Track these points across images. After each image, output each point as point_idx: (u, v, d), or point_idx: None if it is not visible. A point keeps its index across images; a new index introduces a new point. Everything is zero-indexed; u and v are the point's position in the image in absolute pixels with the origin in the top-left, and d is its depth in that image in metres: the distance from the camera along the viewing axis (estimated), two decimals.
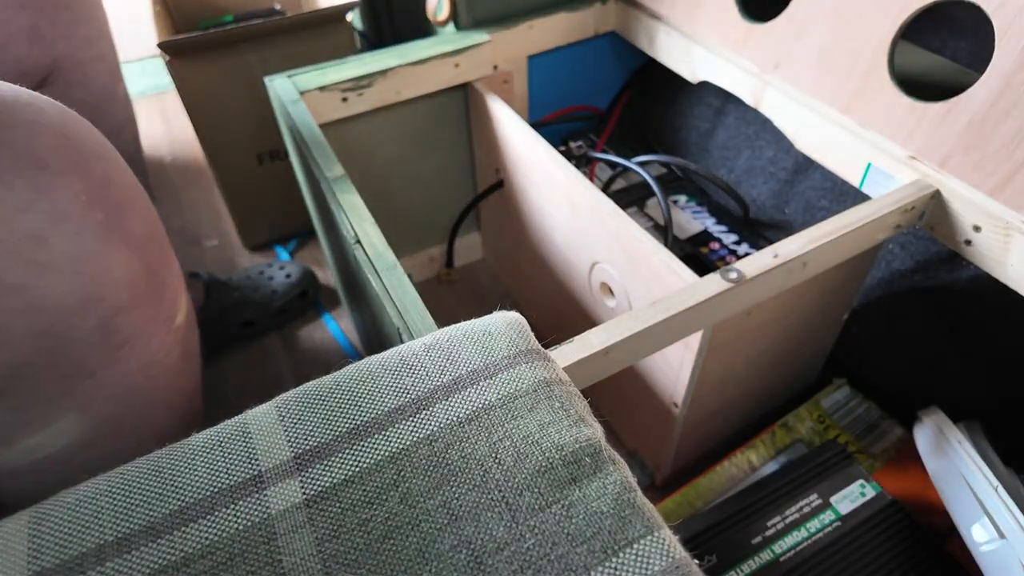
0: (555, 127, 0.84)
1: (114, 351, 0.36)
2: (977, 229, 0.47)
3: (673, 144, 0.83)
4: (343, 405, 0.29)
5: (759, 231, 0.71)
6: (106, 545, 0.25)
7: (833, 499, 0.51)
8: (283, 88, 0.61)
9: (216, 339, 0.77)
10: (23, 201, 0.30)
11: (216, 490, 0.27)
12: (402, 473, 0.27)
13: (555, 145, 0.82)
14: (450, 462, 0.28)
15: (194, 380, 0.47)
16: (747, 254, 0.66)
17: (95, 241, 0.33)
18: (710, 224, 0.71)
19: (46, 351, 0.32)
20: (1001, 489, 0.44)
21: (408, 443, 0.28)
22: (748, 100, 0.61)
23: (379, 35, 0.97)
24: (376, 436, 0.28)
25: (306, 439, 0.28)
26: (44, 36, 0.52)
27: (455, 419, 0.29)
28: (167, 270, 0.40)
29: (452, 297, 0.86)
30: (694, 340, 0.48)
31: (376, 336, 0.58)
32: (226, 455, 0.28)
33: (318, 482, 0.27)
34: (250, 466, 0.27)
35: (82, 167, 0.33)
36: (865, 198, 0.61)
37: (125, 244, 0.35)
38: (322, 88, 0.61)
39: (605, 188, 0.76)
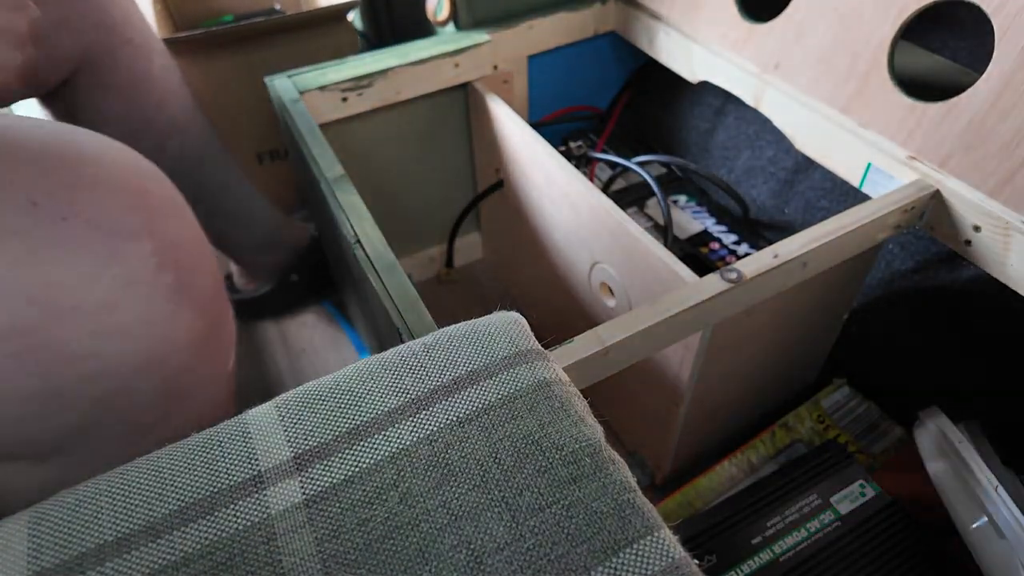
0: (555, 127, 0.84)
1: (173, 407, 0.35)
2: (977, 229, 0.47)
3: (673, 144, 0.83)
4: (343, 405, 0.29)
5: (759, 231, 0.71)
6: (106, 545, 0.25)
7: (833, 499, 0.51)
8: (283, 88, 0.61)
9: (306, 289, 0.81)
10: (96, 268, 0.29)
11: (216, 490, 0.27)
12: (402, 473, 0.27)
13: (555, 145, 0.82)
14: (450, 462, 0.28)
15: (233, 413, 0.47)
16: (747, 254, 0.66)
17: (164, 304, 0.32)
18: (710, 224, 0.71)
19: (106, 413, 0.31)
20: (1001, 489, 0.44)
21: (408, 443, 0.28)
22: (748, 100, 0.61)
23: (379, 35, 0.97)
24: (376, 436, 0.28)
25: (306, 439, 0.28)
26: (74, 27, 0.53)
27: (455, 419, 0.29)
28: (224, 318, 0.39)
29: (452, 297, 0.85)
30: (694, 340, 0.48)
31: (376, 336, 0.58)
32: (226, 455, 0.28)
33: (318, 482, 0.27)
34: (250, 466, 0.27)
35: (153, 228, 0.32)
36: (865, 198, 0.61)
37: (191, 304, 0.34)
38: (322, 88, 0.61)
39: (605, 188, 0.76)
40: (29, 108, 0.58)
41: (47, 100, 0.58)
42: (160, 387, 0.33)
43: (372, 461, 0.28)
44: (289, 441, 0.28)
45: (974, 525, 0.45)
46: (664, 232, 0.69)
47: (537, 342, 0.33)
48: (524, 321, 0.33)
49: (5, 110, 0.57)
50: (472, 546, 0.25)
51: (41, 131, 0.31)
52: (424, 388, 0.30)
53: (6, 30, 0.38)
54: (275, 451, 0.28)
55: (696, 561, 0.25)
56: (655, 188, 0.68)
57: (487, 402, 0.29)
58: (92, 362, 0.30)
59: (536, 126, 0.80)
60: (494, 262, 0.87)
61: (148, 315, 0.31)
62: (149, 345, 0.32)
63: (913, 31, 0.49)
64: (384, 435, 0.28)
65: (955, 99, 0.45)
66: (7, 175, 0.28)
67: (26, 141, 0.29)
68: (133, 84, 0.60)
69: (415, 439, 0.28)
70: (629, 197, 0.75)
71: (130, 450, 0.34)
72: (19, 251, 0.27)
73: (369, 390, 0.30)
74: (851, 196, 0.65)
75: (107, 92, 0.58)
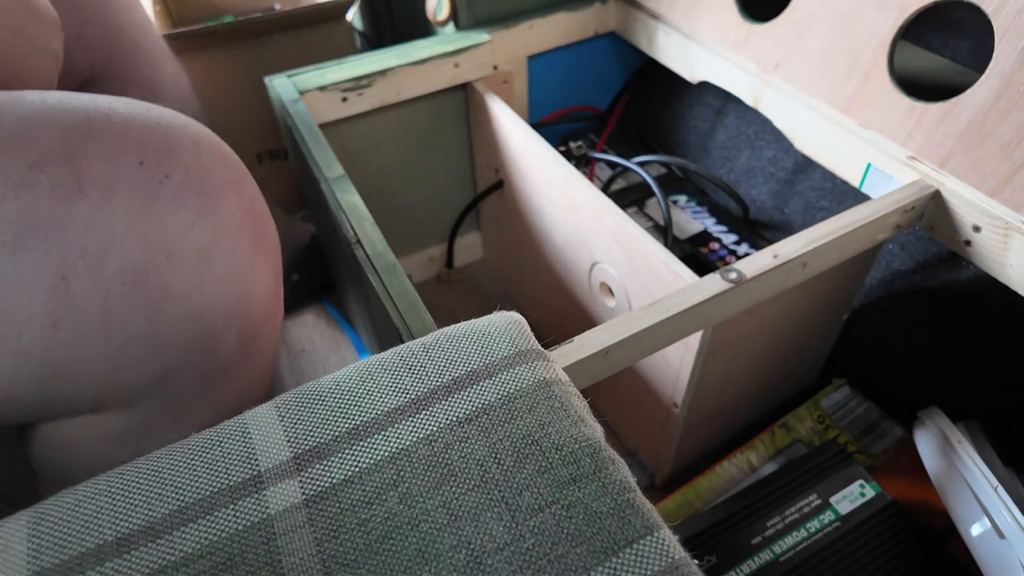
0: (555, 127, 0.84)
1: (248, 358, 0.39)
2: (977, 229, 0.47)
3: (673, 144, 0.83)
4: (343, 405, 0.29)
5: (759, 231, 0.71)
6: (105, 545, 0.25)
7: (833, 499, 0.51)
8: (283, 88, 0.61)
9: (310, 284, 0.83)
10: (191, 219, 0.33)
11: (215, 490, 0.27)
12: (402, 473, 0.27)
13: (555, 145, 0.82)
14: (450, 462, 0.28)
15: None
16: (747, 254, 0.66)
17: (246, 255, 0.35)
18: (710, 224, 0.71)
19: (194, 358, 0.34)
20: (1001, 489, 0.44)
21: (408, 443, 0.28)
22: (748, 100, 0.61)
23: (379, 35, 0.97)
24: (376, 436, 0.28)
25: (306, 439, 0.28)
26: (87, 39, 0.55)
27: (455, 419, 0.29)
28: (281, 279, 0.43)
29: (452, 297, 0.86)
30: (694, 340, 0.48)
31: (376, 336, 0.58)
32: (225, 455, 0.28)
33: (318, 482, 0.27)
34: (249, 466, 0.27)
35: (237, 186, 0.35)
36: (865, 198, 0.62)
37: (265, 259, 0.37)
38: (322, 88, 0.61)
39: (605, 188, 0.76)
40: None
41: None
42: (239, 336, 0.37)
43: (372, 461, 0.28)
44: (289, 441, 0.28)
45: (974, 525, 0.45)
46: (664, 232, 0.69)
47: (537, 342, 0.33)
48: (524, 321, 0.33)
49: None
50: (472, 546, 0.25)
51: (135, 105, 0.34)
52: (424, 388, 0.30)
53: (57, 56, 0.42)
54: (275, 451, 0.28)
55: (696, 561, 0.25)
56: (655, 188, 0.68)
57: (487, 402, 0.29)
58: (189, 303, 0.33)
59: (536, 126, 0.80)
60: (494, 262, 0.87)
61: (234, 264, 0.35)
62: (236, 292, 0.35)
63: (913, 31, 0.49)
64: (384, 435, 0.28)
65: (955, 99, 0.45)
66: (122, 137, 0.32)
67: (127, 109, 0.33)
68: (143, 95, 0.60)
69: (415, 439, 0.28)
70: (629, 197, 0.75)
71: (201, 402, 0.38)
72: (133, 203, 0.31)
73: (369, 390, 0.30)
74: (851, 196, 0.65)
75: None
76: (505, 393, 0.30)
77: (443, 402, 0.29)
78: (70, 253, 0.30)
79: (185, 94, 0.65)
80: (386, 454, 0.28)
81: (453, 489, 0.27)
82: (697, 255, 0.68)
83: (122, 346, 0.32)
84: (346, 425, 0.29)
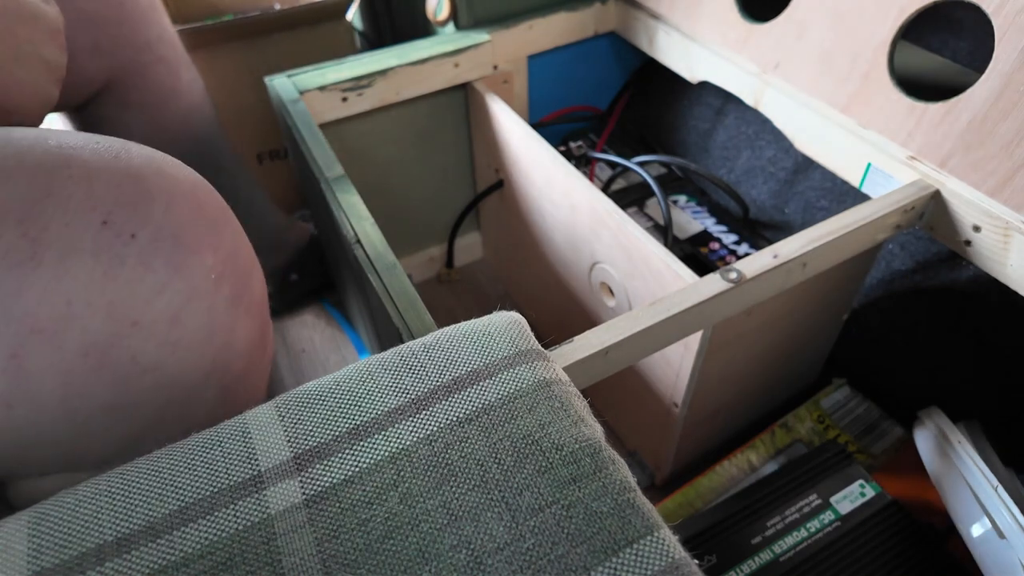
0: (555, 127, 0.84)
1: (232, 407, 0.36)
2: (977, 229, 0.47)
3: (673, 144, 0.83)
4: (343, 405, 0.29)
5: (759, 231, 0.71)
6: (106, 545, 0.25)
7: (833, 499, 0.51)
8: (283, 88, 0.61)
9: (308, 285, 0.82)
10: (161, 282, 0.30)
11: (216, 490, 0.27)
12: (402, 473, 0.27)
13: (555, 145, 0.82)
14: (450, 462, 0.28)
15: None
16: (747, 254, 0.66)
17: (224, 315, 0.33)
18: (710, 224, 0.71)
19: (169, 419, 0.32)
20: (1001, 489, 0.44)
21: (408, 443, 0.28)
22: (748, 100, 0.61)
23: (379, 35, 0.97)
24: (376, 436, 0.28)
25: (306, 439, 0.28)
26: (103, 49, 0.54)
27: (455, 419, 0.29)
28: (268, 319, 0.40)
29: (452, 297, 0.86)
30: (694, 340, 0.48)
31: (376, 336, 0.58)
32: (226, 455, 0.28)
33: (318, 482, 0.27)
34: (250, 466, 0.27)
35: (213, 240, 0.32)
36: (865, 198, 0.61)
37: (247, 313, 0.35)
38: (322, 88, 0.61)
39: (605, 188, 0.76)
40: (49, 119, 0.59)
41: (69, 112, 0.58)
42: (220, 393, 0.34)
43: (372, 461, 0.28)
44: (289, 441, 0.28)
45: (974, 525, 0.45)
46: (664, 232, 0.69)
47: (537, 342, 0.33)
48: (524, 321, 0.33)
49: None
50: (472, 546, 0.25)
51: (101, 147, 0.31)
52: (424, 388, 0.30)
53: (52, 65, 0.39)
54: (275, 451, 0.28)
55: (696, 561, 0.25)
56: (655, 188, 0.68)
57: (487, 402, 0.29)
58: (160, 373, 0.31)
59: (536, 126, 0.80)
60: (494, 262, 0.87)
61: (210, 326, 0.32)
62: (212, 354, 0.32)
63: (913, 31, 0.49)
64: (384, 435, 0.28)
65: (955, 99, 0.45)
66: (84, 194, 0.28)
67: (92, 158, 0.30)
68: (161, 101, 0.60)
69: (415, 439, 0.28)
70: (629, 197, 0.75)
71: None
72: (94, 270, 0.28)
73: (369, 390, 0.30)
74: (851, 196, 0.65)
75: (134, 108, 0.59)
76: (505, 393, 0.30)
77: (443, 402, 0.29)
78: (22, 328, 0.27)
79: (200, 100, 0.64)
80: (386, 454, 0.28)
81: (453, 489, 0.27)
82: (697, 255, 0.68)
83: (86, 419, 0.30)
84: (346, 425, 0.29)
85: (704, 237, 0.70)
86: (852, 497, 0.51)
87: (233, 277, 0.33)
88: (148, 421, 0.32)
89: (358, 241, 0.47)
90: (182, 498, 0.26)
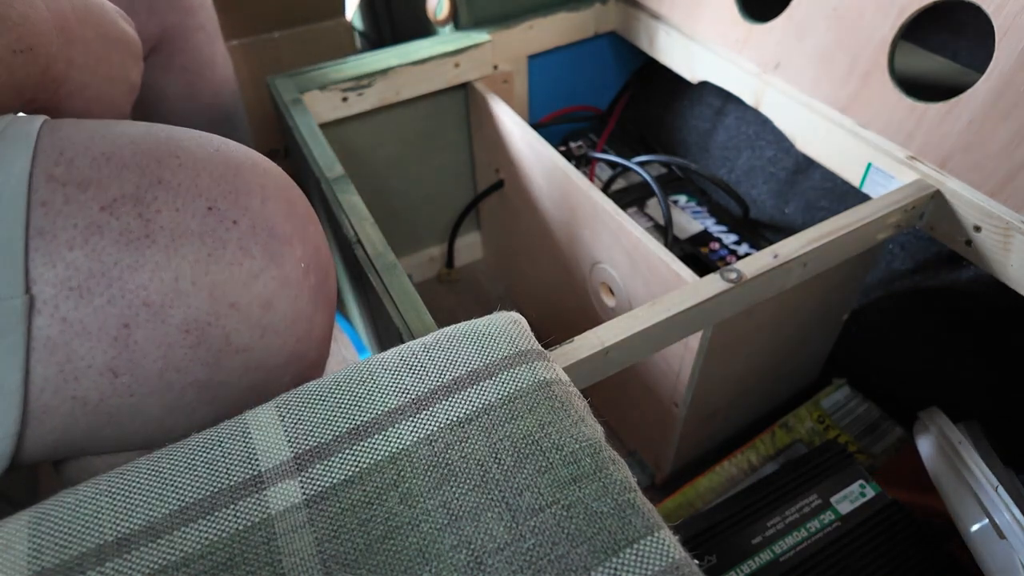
0: (555, 127, 0.84)
1: None
2: (977, 229, 0.47)
3: (673, 144, 0.83)
4: (343, 405, 0.29)
5: (759, 231, 0.71)
6: (106, 545, 0.25)
7: (833, 499, 0.51)
8: (283, 87, 0.61)
9: None
10: (258, 267, 0.32)
11: (216, 490, 0.27)
12: (402, 473, 0.27)
13: (555, 145, 0.82)
14: (450, 462, 0.28)
15: None
16: (747, 254, 0.66)
17: (307, 304, 0.34)
18: (710, 224, 0.71)
19: (248, 405, 0.34)
20: (1001, 489, 0.44)
21: (408, 443, 0.28)
22: (748, 100, 0.61)
23: (379, 35, 0.97)
24: (376, 436, 0.28)
25: (306, 439, 0.28)
26: (158, 8, 0.55)
27: (455, 419, 0.29)
28: (335, 316, 0.42)
29: (452, 297, 0.85)
30: (694, 340, 0.48)
31: (376, 336, 0.58)
32: (226, 455, 0.28)
33: (318, 482, 0.27)
34: (250, 466, 0.27)
35: (303, 233, 0.34)
36: (865, 198, 0.61)
37: (324, 305, 0.36)
38: (322, 88, 0.61)
39: (605, 188, 0.76)
40: None
41: None
42: (294, 381, 0.36)
43: (372, 461, 0.28)
44: (289, 441, 0.28)
45: (974, 525, 0.45)
46: (664, 232, 0.69)
47: (537, 342, 0.33)
48: (524, 321, 0.33)
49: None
50: (472, 546, 0.25)
51: (204, 140, 0.33)
52: (424, 388, 0.30)
53: (133, 85, 0.42)
54: (275, 451, 0.28)
55: (696, 561, 0.25)
56: (655, 188, 0.68)
57: (487, 402, 0.29)
58: (249, 355, 0.33)
59: (536, 126, 0.80)
60: (494, 262, 0.87)
61: (295, 314, 0.34)
62: (294, 341, 0.34)
63: (913, 31, 0.49)
64: (384, 435, 0.28)
65: (955, 99, 0.45)
66: (191, 182, 0.31)
67: (198, 150, 0.32)
68: (198, 68, 0.61)
69: (415, 439, 0.28)
70: (629, 197, 0.75)
71: None
72: (200, 251, 0.30)
73: (369, 390, 0.30)
74: (851, 196, 0.65)
75: (173, 73, 0.60)
76: (505, 393, 0.30)
77: (443, 402, 0.29)
78: (135, 301, 0.29)
79: (231, 76, 0.65)
80: (387, 454, 0.28)
81: (453, 489, 0.27)
82: (697, 255, 0.68)
83: (178, 395, 0.32)
84: (347, 425, 0.29)
85: (704, 237, 0.70)
86: (852, 497, 0.51)
87: (317, 270, 0.35)
88: (230, 403, 0.34)
89: (358, 241, 0.47)
90: (182, 498, 0.26)
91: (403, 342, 0.34)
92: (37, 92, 0.34)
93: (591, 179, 0.79)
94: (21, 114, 0.33)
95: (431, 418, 0.29)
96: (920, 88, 0.49)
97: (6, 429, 0.28)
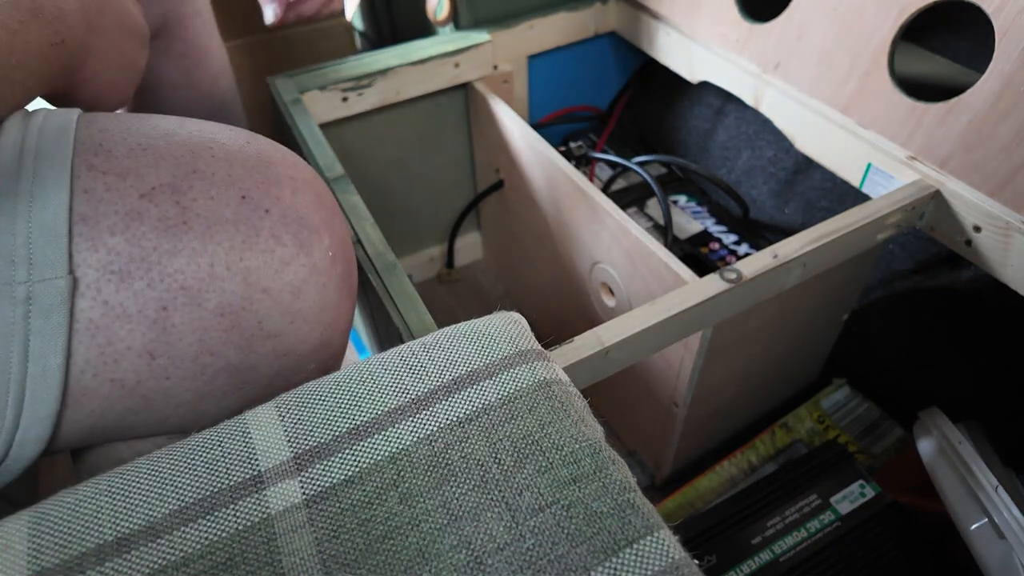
0: (555, 127, 0.84)
1: None
2: (977, 229, 0.47)
3: (673, 144, 0.83)
4: (343, 405, 0.29)
5: (759, 231, 0.71)
6: (106, 545, 0.25)
7: (833, 499, 0.51)
8: (283, 87, 0.61)
9: None
10: (289, 255, 0.33)
11: (216, 490, 0.27)
12: (402, 473, 0.27)
13: (555, 145, 0.82)
14: (450, 462, 0.28)
15: None
16: (747, 254, 0.66)
17: (334, 293, 0.35)
18: (710, 224, 0.71)
19: (276, 391, 0.35)
20: (1001, 489, 0.44)
21: (408, 443, 0.28)
22: (748, 100, 0.61)
23: (379, 35, 0.97)
24: (376, 436, 0.28)
25: (306, 439, 0.28)
26: None
27: (455, 419, 0.29)
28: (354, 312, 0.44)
29: (452, 297, 0.85)
30: (694, 340, 0.48)
31: (376, 336, 0.58)
32: (226, 455, 0.28)
33: (318, 482, 0.27)
34: (250, 466, 0.27)
35: (330, 224, 0.35)
36: (865, 198, 0.62)
37: (349, 295, 0.37)
38: (322, 88, 0.61)
39: (605, 188, 0.76)
40: None
41: None
42: (319, 370, 0.37)
43: (372, 461, 0.28)
44: (289, 441, 0.28)
45: (974, 525, 0.45)
46: (664, 232, 0.69)
47: (537, 342, 0.33)
48: (524, 321, 0.33)
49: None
50: (472, 546, 0.25)
51: (234, 134, 0.35)
52: (424, 388, 0.30)
53: (140, 71, 0.42)
54: (275, 451, 0.28)
55: (696, 561, 0.25)
56: (655, 188, 0.68)
57: (487, 402, 0.29)
58: (279, 341, 0.33)
59: (536, 126, 0.80)
60: (494, 262, 0.87)
61: (324, 302, 0.35)
62: (321, 329, 0.35)
63: (913, 31, 0.49)
64: (384, 435, 0.28)
65: (955, 99, 0.45)
66: (224, 172, 0.32)
67: (229, 142, 0.34)
68: (196, 56, 0.61)
69: (415, 439, 0.28)
70: (629, 197, 0.75)
71: None
72: (234, 237, 0.31)
73: (369, 390, 0.30)
74: (851, 196, 0.65)
75: (171, 60, 0.60)
76: (505, 393, 0.30)
77: (443, 402, 0.29)
78: (172, 285, 0.30)
79: (227, 66, 0.66)
80: (386, 454, 0.28)
81: (453, 489, 0.27)
82: (697, 255, 0.68)
83: (210, 379, 0.32)
84: (346, 425, 0.29)
85: (704, 237, 0.70)
86: (852, 497, 0.51)
87: (343, 260, 0.36)
88: (259, 389, 0.34)
89: (358, 241, 0.47)
90: (182, 498, 0.26)
91: (403, 342, 0.34)
92: (59, 81, 0.34)
93: (591, 179, 0.79)
94: (52, 107, 0.34)
95: (431, 418, 0.29)
96: (920, 88, 0.49)
97: (46, 410, 0.29)
